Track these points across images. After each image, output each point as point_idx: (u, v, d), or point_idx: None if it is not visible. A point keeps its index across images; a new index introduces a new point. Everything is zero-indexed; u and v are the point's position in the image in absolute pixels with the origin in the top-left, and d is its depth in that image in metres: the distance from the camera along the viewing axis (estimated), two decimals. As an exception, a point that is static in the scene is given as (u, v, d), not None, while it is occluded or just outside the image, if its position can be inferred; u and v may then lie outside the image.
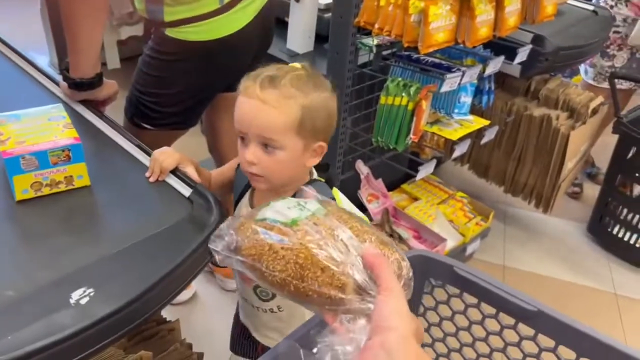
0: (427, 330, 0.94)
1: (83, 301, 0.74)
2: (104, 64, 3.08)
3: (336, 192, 1.02)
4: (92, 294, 0.75)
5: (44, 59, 3.28)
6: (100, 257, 0.81)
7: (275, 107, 0.85)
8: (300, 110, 0.86)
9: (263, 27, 1.51)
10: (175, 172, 0.98)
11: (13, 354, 0.66)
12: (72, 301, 0.74)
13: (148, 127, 1.49)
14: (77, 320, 0.71)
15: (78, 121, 1.10)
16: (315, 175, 1.00)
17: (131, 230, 0.87)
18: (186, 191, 0.95)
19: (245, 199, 1.02)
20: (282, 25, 1.87)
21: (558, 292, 2.02)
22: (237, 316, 1.22)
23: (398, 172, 2.01)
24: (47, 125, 0.92)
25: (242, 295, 1.09)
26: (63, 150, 0.88)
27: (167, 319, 1.09)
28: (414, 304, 0.93)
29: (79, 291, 0.75)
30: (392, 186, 2.15)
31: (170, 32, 1.35)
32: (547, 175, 2.04)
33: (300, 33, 1.80)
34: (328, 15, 1.73)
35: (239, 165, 1.05)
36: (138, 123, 1.50)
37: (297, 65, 0.93)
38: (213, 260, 0.91)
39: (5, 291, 0.74)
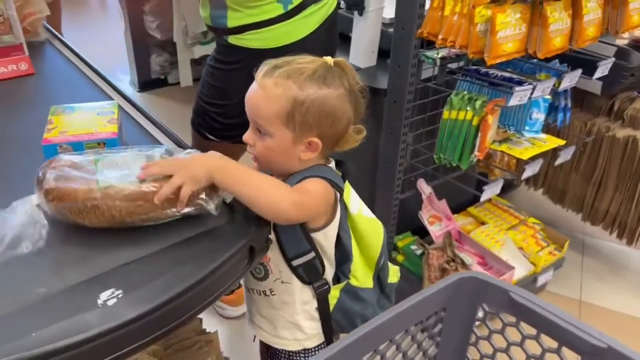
0: (479, 361, 0.85)
1: (110, 302, 0.72)
2: (177, 84, 3.21)
3: (347, 186, 0.99)
4: (120, 296, 0.73)
5: (127, 77, 3.48)
6: (134, 259, 0.79)
7: (266, 94, 0.88)
8: (289, 102, 0.87)
9: (327, 38, 1.48)
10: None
11: (36, 352, 0.64)
12: (99, 302, 0.72)
13: (212, 138, 1.50)
14: (103, 321, 0.69)
15: (130, 123, 1.12)
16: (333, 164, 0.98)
17: (168, 233, 0.84)
18: (227, 196, 0.92)
19: None
20: (345, 39, 1.85)
21: (642, 334, 1.81)
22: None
23: (465, 194, 1.90)
24: (94, 119, 0.95)
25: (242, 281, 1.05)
26: (99, 143, 0.90)
27: (207, 330, 1.06)
28: (464, 331, 0.85)
29: (108, 292, 0.73)
30: (458, 209, 2.04)
31: (233, 40, 1.35)
32: (632, 203, 1.86)
33: (363, 47, 1.76)
34: (392, 29, 1.69)
35: None
36: (203, 134, 1.51)
37: (327, 58, 0.92)
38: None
39: (37, 288, 0.74)
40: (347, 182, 0.98)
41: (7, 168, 1.01)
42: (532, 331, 0.77)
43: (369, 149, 1.74)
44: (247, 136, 0.93)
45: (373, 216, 1.01)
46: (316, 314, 1.00)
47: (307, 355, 1.03)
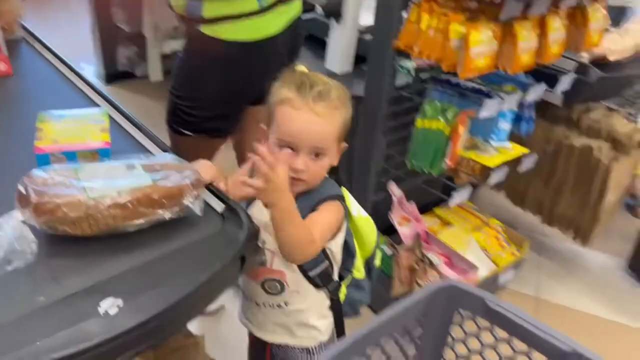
0: (454, 362, 0.92)
1: (112, 311, 0.74)
2: (145, 77, 3.18)
3: (345, 190, 1.05)
4: (120, 305, 0.76)
5: (92, 68, 3.41)
6: (129, 268, 0.82)
7: (326, 119, 0.92)
8: (342, 120, 0.94)
9: (292, 41, 1.54)
10: (209, 186, 0.99)
11: (42, 360, 0.67)
12: (100, 310, 0.74)
13: (187, 132, 1.52)
14: (105, 330, 0.71)
15: (117, 130, 1.13)
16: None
17: (162, 243, 0.87)
18: (219, 206, 0.96)
19: (258, 203, 1.03)
20: (321, 45, 1.89)
21: (594, 330, 1.94)
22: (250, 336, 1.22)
23: (431, 195, 1.98)
24: (85, 128, 0.96)
25: (246, 295, 1.11)
26: (92, 153, 0.90)
27: (193, 333, 1.09)
28: (441, 335, 0.91)
29: (108, 301, 0.76)
30: (425, 210, 2.12)
31: (206, 30, 1.37)
32: (586, 207, 1.98)
33: (339, 53, 1.81)
34: (368, 36, 1.74)
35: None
36: (178, 129, 1.53)
37: (302, 67, 0.99)
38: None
39: (36, 296, 0.75)
40: (343, 187, 1.04)
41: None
42: (505, 335, 0.84)
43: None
44: (302, 164, 0.93)
45: (367, 214, 1.08)
46: (328, 312, 1.08)
47: (322, 347, 1.10)
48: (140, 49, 3.24)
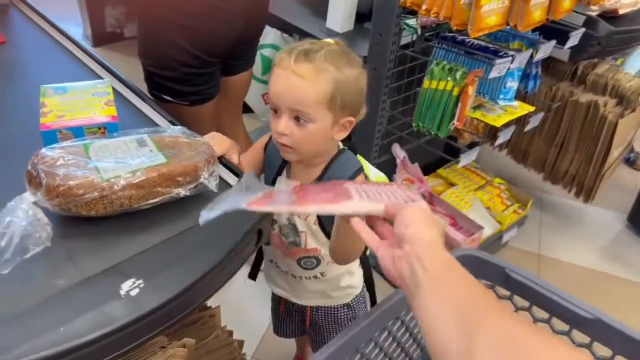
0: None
1: (133, 292, 0.73)
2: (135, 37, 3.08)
3: (361, 159, 1.03)
4: (141, 285, 0.75)
5: (79, 30, 3.30)
6: (147, 247, 0.81)
7: (308, 80, 0.86)
8: (332, 85, 0.87)
9: (253, 8, 1.49)
10: (221, 159, 0.96)
11: (67, 345, 0.66)
12: (122, 292, 0.73)
13: (164, 97, 1.48)
14: (129, 312, 0.71)
15: (121, 101, 1.09)
16: (341, 145, 1.01)
17: (178, 220, 0.85)
18: (232, 180, 0.94)
19: (283, 176, 1.03)
20: (321, 3, 1.82)
21: (594, 284, 1.98)
22: (275, 300, 1.24)
23: (433, 155, 1.97)
24: (90, 101, 0.92)
25: (281, 269, 1.12)
26: (99, 128, 0.88)
27: (208, 305, 1.09)
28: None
29: (129, 282, 0.75)
30: (427, 170, 2.11)
31: None
32: (590, 164, 1.98)
33: (341, 12, 1.75)
34: (371, -7, 1.68)
35: (267, 145, 1.05)
36: (156, 95, 1.50)
37: (330, 40, 0.93)
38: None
39: (55, 280, 0.74)
40: (359, 156, 1.02)
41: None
42: (525, 303, 0.84)
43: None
44: (282, 126, 0.89)
45: (381, 174, 1.07)
46: (358, 268, 1.13)
47: (358, 298, 1.18)
48: (129, 8, 3.14)
